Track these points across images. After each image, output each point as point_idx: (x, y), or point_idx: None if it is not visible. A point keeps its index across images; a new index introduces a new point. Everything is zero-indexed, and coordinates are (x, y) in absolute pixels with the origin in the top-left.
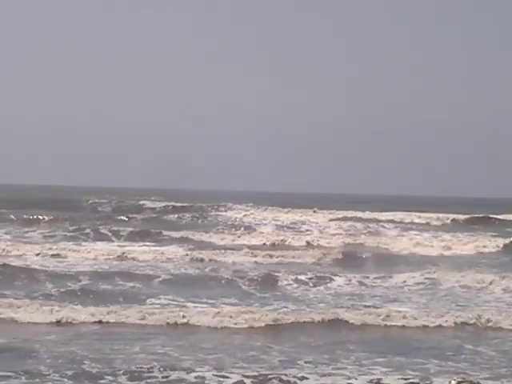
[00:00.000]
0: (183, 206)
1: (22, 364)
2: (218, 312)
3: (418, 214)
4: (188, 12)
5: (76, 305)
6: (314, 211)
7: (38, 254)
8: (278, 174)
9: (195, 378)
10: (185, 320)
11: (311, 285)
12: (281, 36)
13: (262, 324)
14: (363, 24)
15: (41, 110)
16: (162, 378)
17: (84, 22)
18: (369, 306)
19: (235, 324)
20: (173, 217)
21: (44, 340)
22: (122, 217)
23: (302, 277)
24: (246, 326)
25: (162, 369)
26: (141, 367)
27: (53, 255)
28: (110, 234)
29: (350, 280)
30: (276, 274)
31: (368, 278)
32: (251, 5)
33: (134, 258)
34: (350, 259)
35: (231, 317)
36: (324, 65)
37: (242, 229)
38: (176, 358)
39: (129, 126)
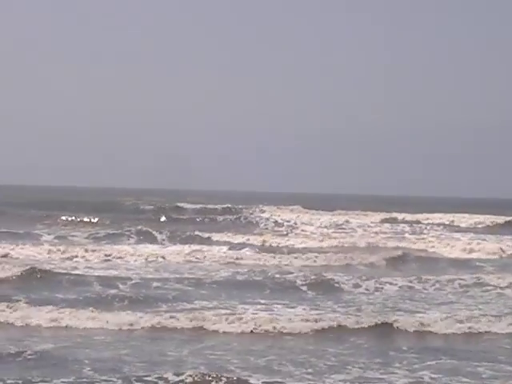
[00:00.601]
0: (226, 208)
1: (72, 368)
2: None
3: (463, 215)
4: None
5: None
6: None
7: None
8: (291, 174)
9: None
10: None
11: (367, 288)
12: (281, 36)
13: (311, 328)
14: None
15: (47, 111)
16: None
17: (84, 22)
18: (419, 311)
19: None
20: (225, 219)
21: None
22: (170, 216)
23: (358, 280)
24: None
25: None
26: None
27: (106, 260)
28: (164, 237)
29: (404, 283)
30: (332, 276)
31: (421, 281)
32: None
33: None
34: (403, 262)
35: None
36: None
37: (291, 230)
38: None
39: (132, 127)
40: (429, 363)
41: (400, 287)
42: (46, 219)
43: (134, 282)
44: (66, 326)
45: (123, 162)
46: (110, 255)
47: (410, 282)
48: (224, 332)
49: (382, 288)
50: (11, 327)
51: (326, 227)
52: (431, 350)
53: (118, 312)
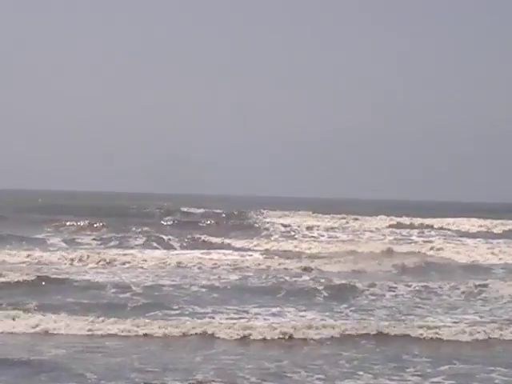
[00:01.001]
0: (237, 213)
1: (76, 374)
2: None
3: (474, 219)
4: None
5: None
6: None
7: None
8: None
9: None
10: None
11: (380, 293)
12: (284, 37)
13: (325, 334)
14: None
15: (51, 114)
16: None
17: (85, 23)
18: (432, 316)
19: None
20: (232, 223)
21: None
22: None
23: (372, 285)
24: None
25: None
26: None
27: (115, 264)
28: (172, 242)
29: (418, 288)
30: (345, 281)
31: (435, 286)
32: None
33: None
34: (416, 267)
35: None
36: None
37: (300, 235)
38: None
39: (133, 129)
40: (442, 369)
41: (414, 292)
42: (52, 224)
43: (144, 286)
44: (76, 333)
45: (123, 166)
46: (118, 260)
47: (424, 287)
48: (235, 339)
49: (396, 293)
50: (23, 333)
51: (334, 231)
52: (444, 355)
53: (129, 317)
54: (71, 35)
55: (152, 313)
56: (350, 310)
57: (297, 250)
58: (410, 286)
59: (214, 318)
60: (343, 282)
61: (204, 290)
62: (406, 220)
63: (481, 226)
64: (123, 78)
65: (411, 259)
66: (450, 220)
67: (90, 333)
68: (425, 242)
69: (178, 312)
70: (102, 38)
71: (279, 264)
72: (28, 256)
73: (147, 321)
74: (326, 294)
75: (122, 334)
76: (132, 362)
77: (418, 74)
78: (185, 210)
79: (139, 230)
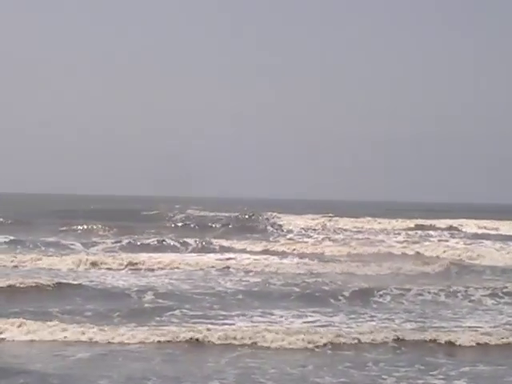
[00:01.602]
0: (249, 216)
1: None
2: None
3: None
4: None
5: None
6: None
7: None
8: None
9: None
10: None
11: (405, 297)
12: (281, 39)
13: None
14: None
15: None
16: None
17: (85, 24)
18: (458, 319)
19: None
20: (244, 226)
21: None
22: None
23: (396, 289)
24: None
25: None
26: None
27: (134, 268)
28: (188, 245)
29: (441, 292)
30: (368, 284)
31: (459, 289)
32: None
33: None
34: (443, 270)
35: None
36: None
37: (319, 237)
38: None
39: (134, 132)
40: (464, 370)
41: (437, 296)
42: (64, 228)
43: (164, 291)
44: (97, 341)
45: (124, 169)
46: (136, 263)
47: (449, 290)
48: (261, 345)
49: (420, 297)
50: (42, 341)
51: (352, 234)
52: (467, 357)
53: (152, 324)
54: (71, 35)
55: (173, 317)
56: (375, 313)
57: (316, 252)
58: (434, 289)
59: (236, 322)
60: (367, 284)
61: (225, 293)
62: (428, 222)
63: None
64: (123, 79)
65: (440, 262)
66: (477, 221)
67: (116, 341)
68: (451, 244)
69: (199, 315)
70: (102, 38)
71: (296, 268)
72: (40, 260)
73: (171, 327)
74: (349, 297)
75: (147, 341)
76: (153, 367)
77: None
78: (197, 213)
79: (154, 233)
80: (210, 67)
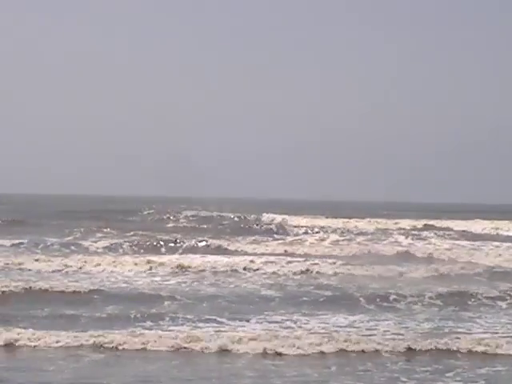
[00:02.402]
0: (247, 216)
1: None
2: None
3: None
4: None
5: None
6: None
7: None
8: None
9: None
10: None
11: (422, 300)
12: (282, 37)
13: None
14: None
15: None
16: None
17: (86, 24)
18: (476, 323)
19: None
20: (249, 227)
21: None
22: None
23: (415, 291)
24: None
25: None
26: None
27: (150, 270)
28: (200, 246)
29: (456, 294)
30: (382, 286)
31: (478, 292)
32: None
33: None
34: (460, 273)
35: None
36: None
37: (326, 238)
38: None
39: (134, 133)
40: (482, 371)
41: (452, 299)
42: (78, 228)
43: (181, 295)
44: (112, 347)
45: (128, 169)
46: (153, 263)
47: (464, 293)
48: (284, 353)
49: (437, 300)
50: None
51: (358, 235)
52: (484, 357)
53: (174, 329)
54: (71, 35)
55: (193, 322)
56: (394, 317)
57: (325, 253)
58: (449, 293)
59: (257, 326)
60: (383, 287)
61: (240, 298)
62: (437, 223)
63: None
64: (124, 78)
65: (453, 265)
66: (490, 222)
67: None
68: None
69: (220, 320)
70: (102, 37)
71: (311, 271)
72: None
73: (196, 333)
74: (366, 301)
75: (170, 348)
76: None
77: None
78: (204, 213)
79: (166, 235)
80: (210, 67)
